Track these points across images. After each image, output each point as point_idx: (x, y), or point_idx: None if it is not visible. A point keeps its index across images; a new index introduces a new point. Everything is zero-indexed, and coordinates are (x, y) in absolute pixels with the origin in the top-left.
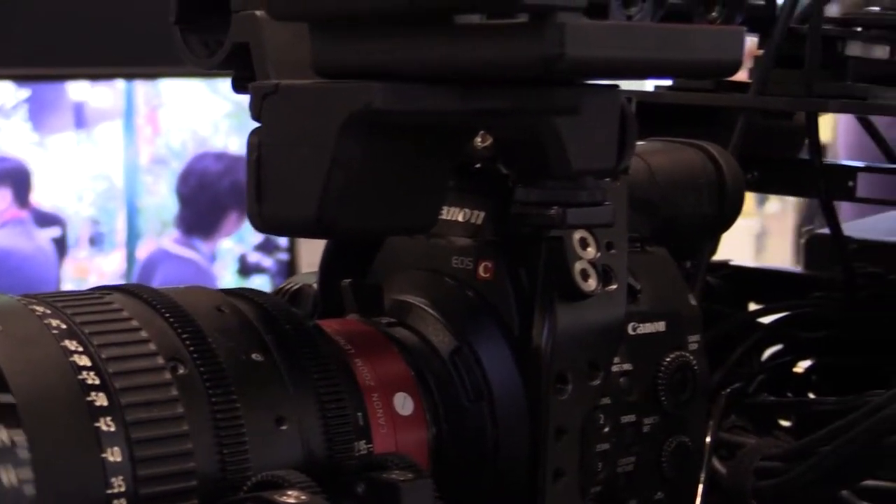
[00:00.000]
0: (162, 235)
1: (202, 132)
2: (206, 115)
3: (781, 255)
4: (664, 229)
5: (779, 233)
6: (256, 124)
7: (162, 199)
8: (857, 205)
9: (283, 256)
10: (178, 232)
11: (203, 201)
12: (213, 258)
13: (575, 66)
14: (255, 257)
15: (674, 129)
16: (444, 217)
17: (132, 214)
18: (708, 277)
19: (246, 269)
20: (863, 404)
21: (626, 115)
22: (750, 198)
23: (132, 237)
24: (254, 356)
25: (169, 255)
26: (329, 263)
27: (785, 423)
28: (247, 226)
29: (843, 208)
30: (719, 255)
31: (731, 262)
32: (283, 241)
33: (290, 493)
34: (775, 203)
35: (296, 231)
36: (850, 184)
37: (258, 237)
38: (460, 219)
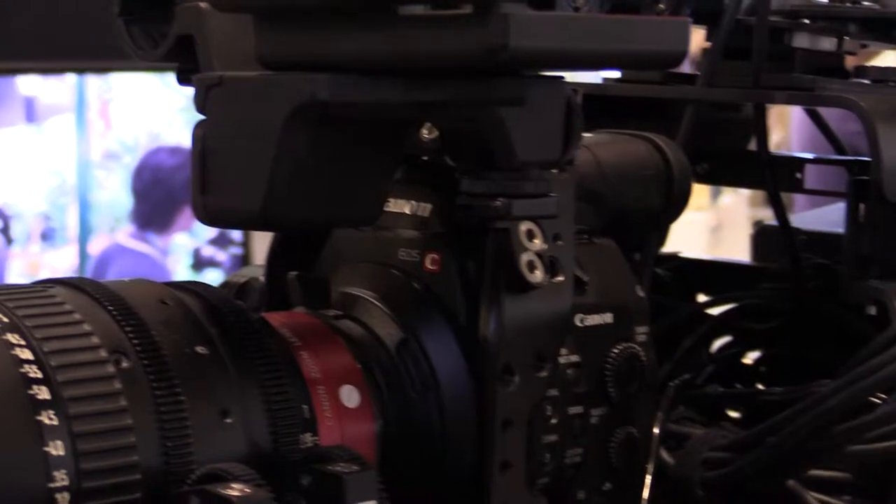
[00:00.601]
0: (115, 230)
1: (155, 127)
2: (159, 109)
3: (737, 248)
4: (612, 221)
5: (734, 226)
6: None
7: (115, 194)
8: (812, 197)
9: (237, 251)
10: (132, 227)
11: (157, 196)
12: (166, 253)
13: (519, 56)
14: (208, 251)
15: (624, 122)
16: (390, 209)
17: (84, 209)
18: (657, 269)
19: (200, 263)
20: (809, 394)
21: (572, 106)
22: (704, 191)
23: (84, 232)
24: (198, 349)
25: (123, 249)
26: (276, 256)
27: (735, 415)
28: None
29: (798, 200)
30: (674, 249)
31: (681, 254)
32: (236, 236)
33: (233, 485)
34: (729, 196)
35: (241, 223)
36: (798, 175)
37: (212, 231)
38: (407, 211)
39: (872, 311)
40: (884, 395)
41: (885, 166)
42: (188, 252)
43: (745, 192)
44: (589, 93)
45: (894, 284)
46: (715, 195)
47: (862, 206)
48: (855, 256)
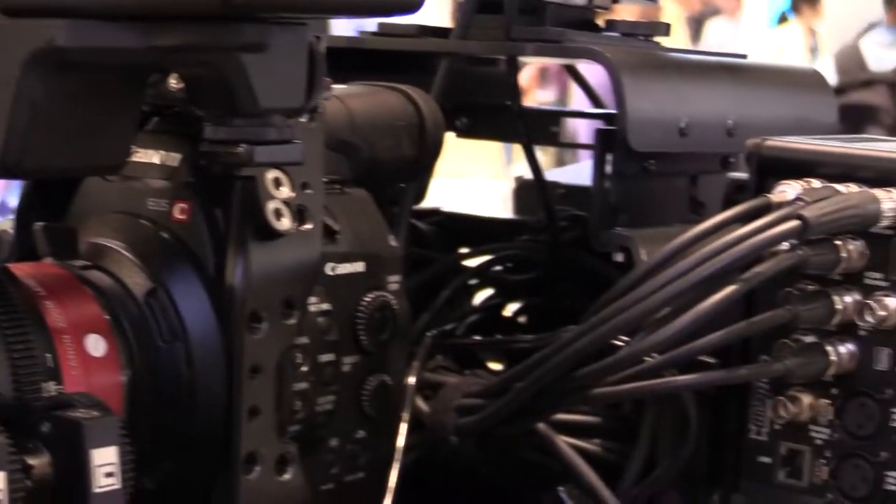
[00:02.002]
0: None
1: None
2: None
3: None
4: (365, 171)
5: None
6: None
7: None
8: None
9: None
10: None
11: None
12: None
13: (253, 1)
14: None
15: (383, 76)
16: (140, 160)
17: None
18: (419, 224)
19: None
20: (556, 340)
21: (315, 54)
22: (497, 159)
23: None
24: None
25: None
26: (26, 208)
27: (499, 367)
28: None
29: (585, 157)
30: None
31: (442, 209)
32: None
33: None
34: (523, 163)
35: None
36: (554, 129)
37: None
38: (156, 161)
39: (621, 258)
40: (626, 338)
41: (629, 117)
42: None
43: (539, 158)
44: (346, 46)
45: (640, 231)
46: (509, 162)
47: (610, 157)
48: (602, 205)
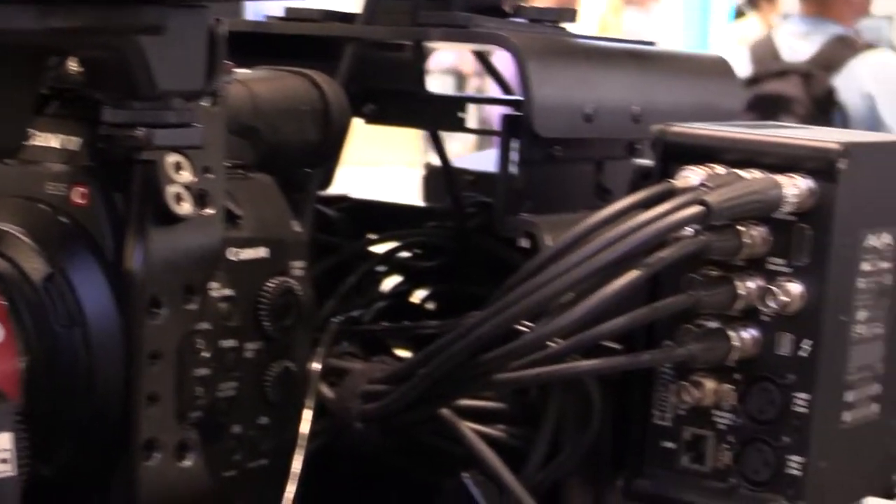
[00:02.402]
0: None
1: None
2: None
3: None
4: (268, 156)
5: None
6: None
7: None
8: None
9: None
10: None
11: None
12: None
13: None
14: None
15: (291, 62)
16: (39, 143)
17: None
18: (327, 210)
19: None
20: (461, 325)
21: (215, 37)
22: (415, 147)
23: None
24: None
25: None
26: None
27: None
28: None
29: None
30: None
31: (350, 196)
32: None
33: None
34: None
35: None
36: (461, 115)
37: None
38: (56, 145)
39: (526, 244)
40: (530, 324)
41: (535, 102)
42: None
43: (456, 147)
44: (251, 30)
45: (545, 217)
46: (426, 150)
47: (516, 143)
48: (507, 191)
